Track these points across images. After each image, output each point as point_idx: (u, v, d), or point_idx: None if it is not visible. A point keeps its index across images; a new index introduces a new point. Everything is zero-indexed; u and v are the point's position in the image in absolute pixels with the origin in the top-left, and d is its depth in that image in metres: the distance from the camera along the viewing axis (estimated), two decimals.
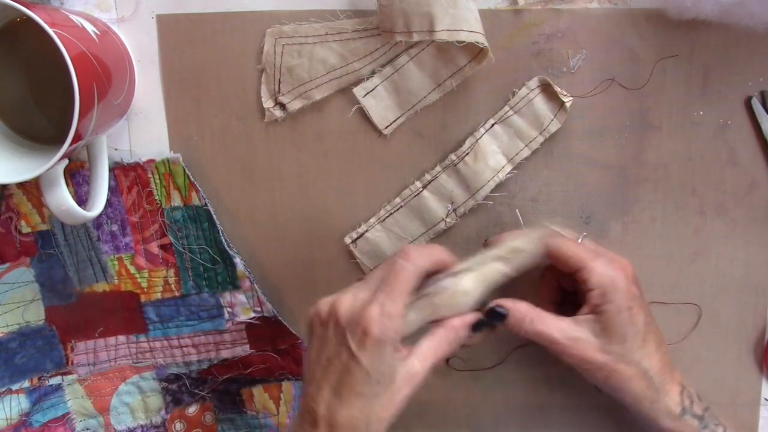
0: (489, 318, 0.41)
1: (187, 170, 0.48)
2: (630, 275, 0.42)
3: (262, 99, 0.48)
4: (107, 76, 0.41)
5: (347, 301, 0.39)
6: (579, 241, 0.45)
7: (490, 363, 0.52)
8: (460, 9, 0.42)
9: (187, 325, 0.51)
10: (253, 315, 0.51)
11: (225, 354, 0.52)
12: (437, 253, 0.41)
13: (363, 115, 0.48)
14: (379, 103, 0.47)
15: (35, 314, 0.51)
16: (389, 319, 0.37)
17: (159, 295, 0.51)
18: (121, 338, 0.52)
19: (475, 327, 0.41)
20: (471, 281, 0.40)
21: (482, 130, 0.47)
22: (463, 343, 0.41)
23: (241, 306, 0.51)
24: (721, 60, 0.46)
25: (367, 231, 0.50)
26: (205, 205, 0.49)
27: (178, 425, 0.54)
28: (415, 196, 0.49)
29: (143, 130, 0.48)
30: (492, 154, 0.47)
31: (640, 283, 0.43)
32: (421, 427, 0.53)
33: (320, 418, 0.38)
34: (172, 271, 0.50)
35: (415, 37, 0.43)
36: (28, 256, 0.50)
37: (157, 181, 0.49)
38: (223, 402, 0.54)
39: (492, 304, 0.41)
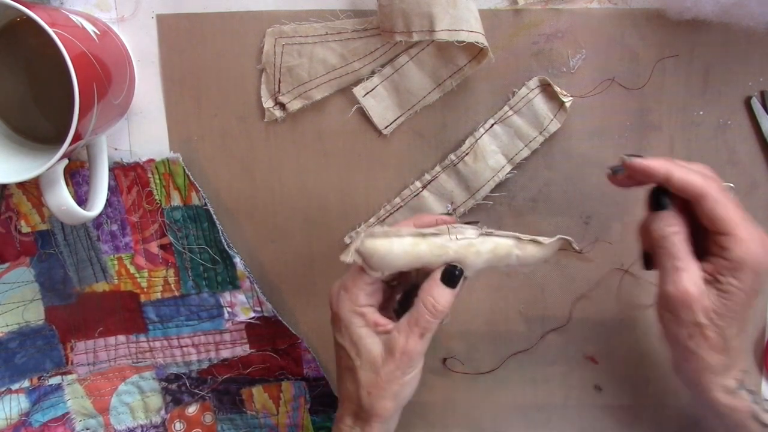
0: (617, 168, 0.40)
1: (187, 170, 0.48)
2: None
3: (262, 99, 0.47)
4: (107, 76, 0.41)
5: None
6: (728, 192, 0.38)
7: (489, 366, 0.52)
8: (460, 9, 0.42)
9: (187, 324, 0.51)
10: (252, 315, 0.51)
11: (225, 354, 0.52)
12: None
13: (363, 115, 0.48)
14: (379, 103, 0.47)
15: (35, 314, 0.51)
16: (345, 291, 0.40)
17: (159, 295, 0.51)
18: (121, 338, 0.52)
19: (446, 279, 0.39)
20: (489, 249, 0.39)
21: (482, 130, 0.47)
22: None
23: (240, 306, 0.51)
24: (721, 60, 0.46)
25: None
26: (205, 205, 0.49)
27: (178, 425, 0.54)
28: (415, 196, 0.49)
29: (143, 130, 0.48)
30: (492, 154, 0.47)
31: None
32: (422, 427, 0.53)
33: (338, 398, 0.43)
34: (171, 271, 0.50)
35: (415, 37, 0.43)
36: (28, 255, 0.50)
37: (157, 181, 0.49)
38: (222, 402, 0.54)
39: (626, 158, 0.39)
